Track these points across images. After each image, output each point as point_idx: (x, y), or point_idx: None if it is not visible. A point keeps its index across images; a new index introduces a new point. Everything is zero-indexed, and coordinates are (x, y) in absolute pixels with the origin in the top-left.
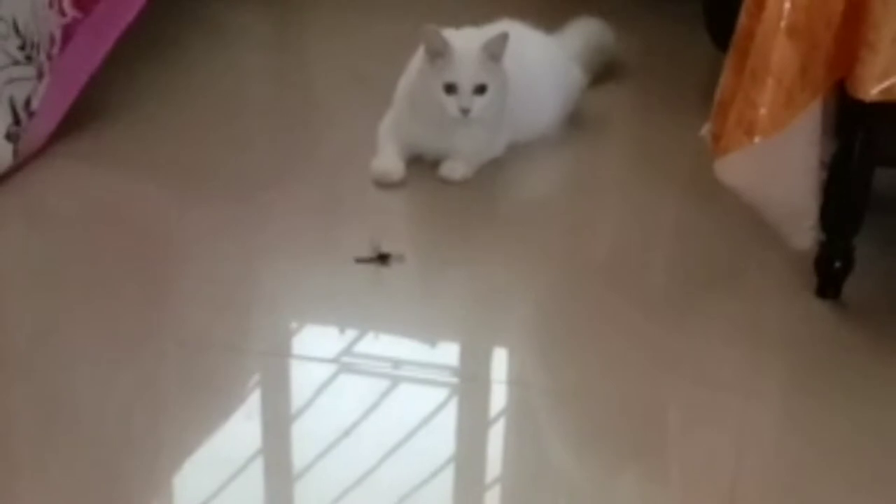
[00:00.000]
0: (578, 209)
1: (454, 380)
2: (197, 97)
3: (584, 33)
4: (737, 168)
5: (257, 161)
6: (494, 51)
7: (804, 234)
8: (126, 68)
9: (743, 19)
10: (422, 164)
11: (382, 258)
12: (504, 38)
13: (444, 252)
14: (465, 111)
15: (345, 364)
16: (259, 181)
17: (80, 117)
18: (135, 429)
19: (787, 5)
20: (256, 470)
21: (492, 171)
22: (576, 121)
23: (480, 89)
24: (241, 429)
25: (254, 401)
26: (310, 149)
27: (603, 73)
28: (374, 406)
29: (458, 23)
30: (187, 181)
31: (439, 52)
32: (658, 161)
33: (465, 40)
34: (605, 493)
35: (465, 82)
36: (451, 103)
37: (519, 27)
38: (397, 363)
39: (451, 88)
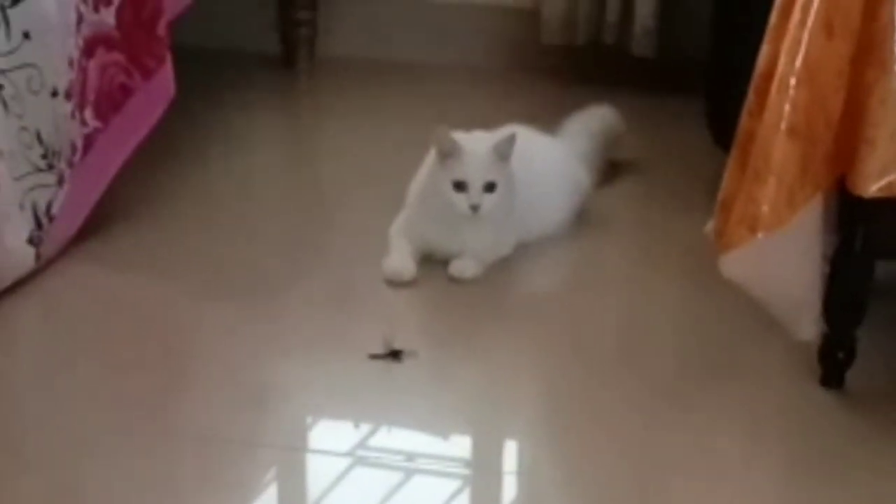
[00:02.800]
0: (584, 303)
1: (466, 471)
2: (211, 199)
3: (588, 123)
4: (740, 263)
5: (271, 258)
6: (503, 150)
7: (807, 326)
8: (142, 172)
9: (744, 120)
10: (432, 263)
11: (395, 354)
12: (512, 138)
13: (455, 347)
14: (474, 208)
15: (359, 457)
16: (273, 278)
17: (99, 219)
18: None
19: (788, 107)
20: None
21: (500, 268)
22: (581, 217)
23: (490, 187)
24: None
25: (270, 495)
26: (322, 246)
27: (609, 170)
28: (388, 498)
29: (466, 127)
30: (202, 279)
31: (450, 152)
32: (662, 256)
33: (475, 141)
34: None
35: (475, 180)
36: (461, 201)
37: (527, 131)
38: (411, 456)
39: (460, 186)
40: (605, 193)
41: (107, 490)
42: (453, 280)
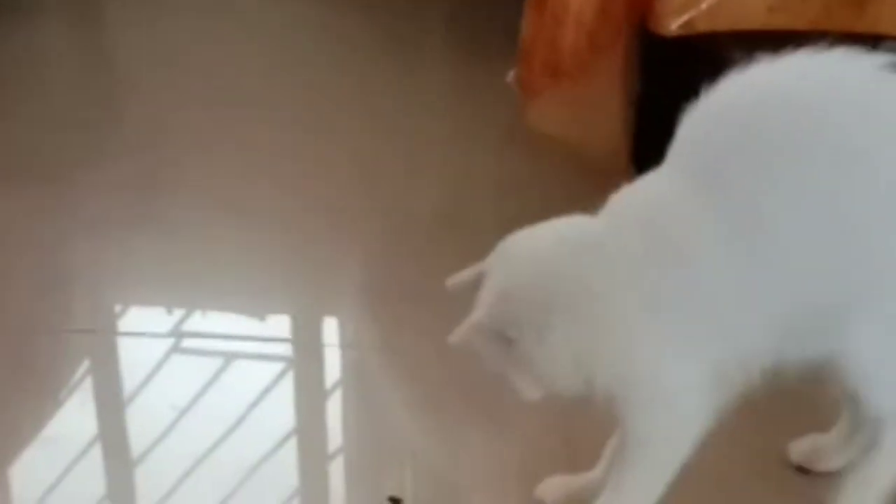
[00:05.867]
0: (400, 176)
1: (287, 350)
2: None
3: None
4: (547, 112)
5: (66, 141)
6: None
7: (619, 173)
8: None
9: None
10: None
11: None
12: None
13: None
14: None
15: (176, 342)
16: (69, 161)
17: None
18: None
19: None
20: (96, 455)
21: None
22: (394, 80)
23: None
24: (77, 413)
25: (87, 384)
26: (117, 125)
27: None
28: (210, 383)
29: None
30: None
31: None
32: (475, 112)
33: None
34: (448, 451)
35: None
36: None
37: None
38: (229, 338)
39: None
40: (411, 56)
41: None
42: None
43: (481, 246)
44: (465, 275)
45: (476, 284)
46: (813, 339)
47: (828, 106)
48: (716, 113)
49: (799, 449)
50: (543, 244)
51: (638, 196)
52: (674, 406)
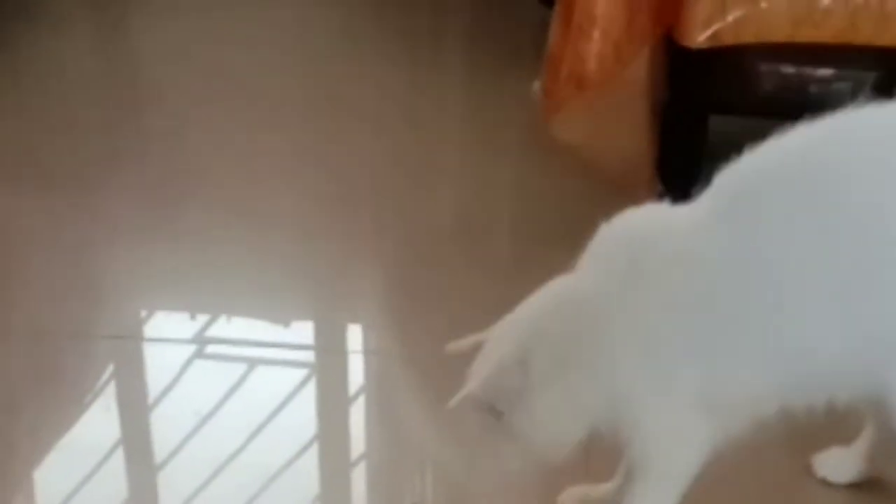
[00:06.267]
0: (416, 176)
1: (310, 356)
2: (21, 83)
3: None
4: (571, 122)
5: (89, 145)
6: None
7: (642, 185)
8: None
9: None
10: None
11: None
12: None
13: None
14: None
15: (199, 348)
16: (93, 165)
17: None
18: None
19: None
20: (119, 459)
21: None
22: (413, 84)
23: None
24: (100, 418)
25: (110, 389)
26: (139, 128)
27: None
28: (233, 389)
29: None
30: (19, 168)
31: None
32: (494, 123)
33: None
34: (468, 459)
35: None
36: None
37: None
38: (252, 344)
39: None
40: (432, 62)
41: None
42: None
43: (500, 253)
44: (465, 343)
45: (475, 353)
46: (850, 382)
47: (863, 167)
48: (753, 170)
49: (823, 461)
50: (532, 312)
51: (634, 235)
52: (673, 439)
